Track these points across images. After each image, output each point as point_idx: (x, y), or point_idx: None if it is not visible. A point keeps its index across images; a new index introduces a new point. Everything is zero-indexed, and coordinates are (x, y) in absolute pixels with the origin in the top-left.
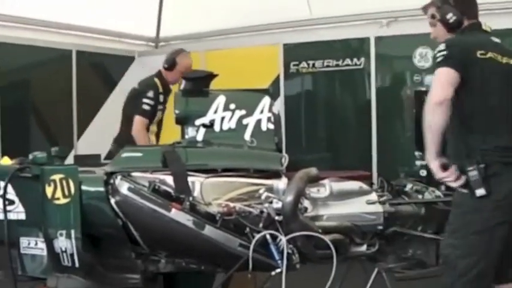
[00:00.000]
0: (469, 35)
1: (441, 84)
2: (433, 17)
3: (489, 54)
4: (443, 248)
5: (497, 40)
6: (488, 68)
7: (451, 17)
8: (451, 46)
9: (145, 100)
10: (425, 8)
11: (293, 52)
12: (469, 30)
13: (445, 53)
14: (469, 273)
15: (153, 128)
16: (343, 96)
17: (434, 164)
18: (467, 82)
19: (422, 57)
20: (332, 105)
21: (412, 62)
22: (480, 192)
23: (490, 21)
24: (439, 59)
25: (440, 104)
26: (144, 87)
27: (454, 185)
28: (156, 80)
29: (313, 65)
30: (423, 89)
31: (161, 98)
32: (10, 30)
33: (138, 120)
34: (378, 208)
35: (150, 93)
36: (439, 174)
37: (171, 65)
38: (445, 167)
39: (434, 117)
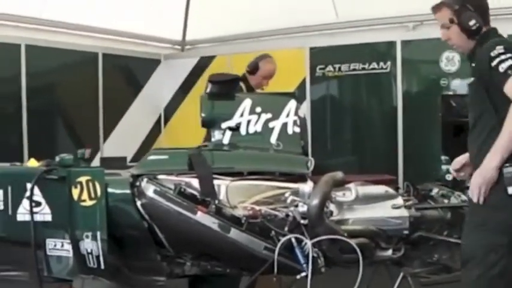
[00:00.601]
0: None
1: None
2: (451, 21)
3: None
4: (468, 242)
5: None
6: None
7: (474, 23)
8: None
9: None
10: (436, 9)
11: (319, 56)
12: (491, 35)
13: None
14: (493, 268)
15: None
16: (369, 100)
17: (494, 170)
18: None
19: (449, 61)
20: (358, 109)
21: (438, 65)
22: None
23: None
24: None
25: None
26: None
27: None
28: (241, 83)
29: (339, 68)
30: (450, 93)
31: None
32: (37, 33)
33: None
34: (404, 213)
35: None
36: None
37: (253, 69)
38: None
39: None
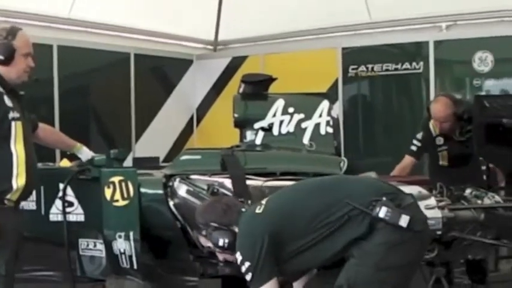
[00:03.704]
0: None
1: None
2: None
3: None
4: None
5: None
6: None
7: None
8: None
9: None
10: None
11: (352, 56)
12: None
13: None
14: None
15: None
16: (401, 100)
17: None
18: None
19: (482, 61)
20: (390, 109)
21: (471, 66)
22: None
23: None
24: None
25: None
26: None
27: None
28: None
29: (372, 68)
30: (483, 93)
31: None
32: (69, 33)
33: None
34: (437, 213)
35: None
36: None
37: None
38: None
39: None
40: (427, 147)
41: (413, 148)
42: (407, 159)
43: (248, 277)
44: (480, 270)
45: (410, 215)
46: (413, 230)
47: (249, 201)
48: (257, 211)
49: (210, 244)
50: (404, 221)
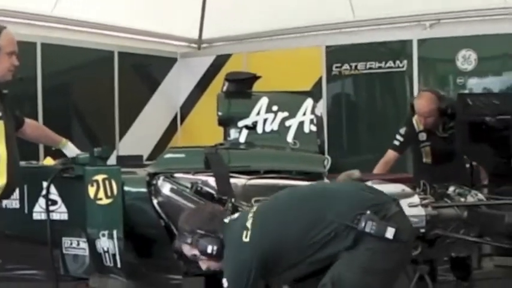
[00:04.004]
0: None
1: None
2: None
3: None
4: None
5: None
6: None
7: None
8: None
9: None
10: None
11: (336, 54)
12: None
13: None
14: None
15: None
16: (385, 99)
17: None
18: None
19: (465, 59)
20: (374, 107)
21: (455, 64)
22: None
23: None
24: None
25: None
26: None
27: None
28: None
29: (356, 67)
30: (466, 91)
31: None
32: (53, 31)
33: None
34: (420, 211)
35: None
36: None
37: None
38: None
39: None
40: (410, 143)
41: (396, 143)
42: (390, 154)
43: None
44: (464, 268)
45: (396, 227)
46: (399, 241)
47: (233, 200)
48: (244, 239)
49: (195, 252)
50: (390, 233)
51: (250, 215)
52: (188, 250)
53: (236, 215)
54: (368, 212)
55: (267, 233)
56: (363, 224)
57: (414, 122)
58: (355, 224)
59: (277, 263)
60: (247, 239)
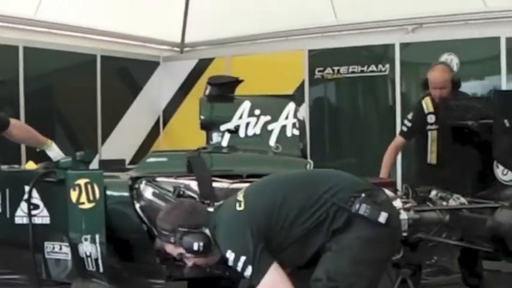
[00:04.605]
0: None
1: None
2: None
3: None
4: None
5: None
6: None
7: None
8: None
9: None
10: None
11: (318, 58)
12: None
13: None
14: None
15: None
16: (367, 103)
17: None
18: None
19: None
20: (357, 111)
21: None
22: None
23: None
24: None
25: None
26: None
27: None
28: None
29: (338, 71)
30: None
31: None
32: (35, 34)
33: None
34: (403, 215)
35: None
36: None
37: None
38: None
39: None
40: (418, 128)
41: (404, 129)
42: (399, 139)
43: (248, 271)
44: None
45: (388, 211)
46: (391, 227)
47: (215, 203)
48: (238, 208)
49: (180, 250)
50: (383, 217)
51: (240, 193)
52: (172, 249)
53: (222, 201)
54: (363, 194)
55: (262, 205)
56: (357, 206)
57: (424, 104)
58: (348, 206)
59: (270, 238)
60: (241, 208)
